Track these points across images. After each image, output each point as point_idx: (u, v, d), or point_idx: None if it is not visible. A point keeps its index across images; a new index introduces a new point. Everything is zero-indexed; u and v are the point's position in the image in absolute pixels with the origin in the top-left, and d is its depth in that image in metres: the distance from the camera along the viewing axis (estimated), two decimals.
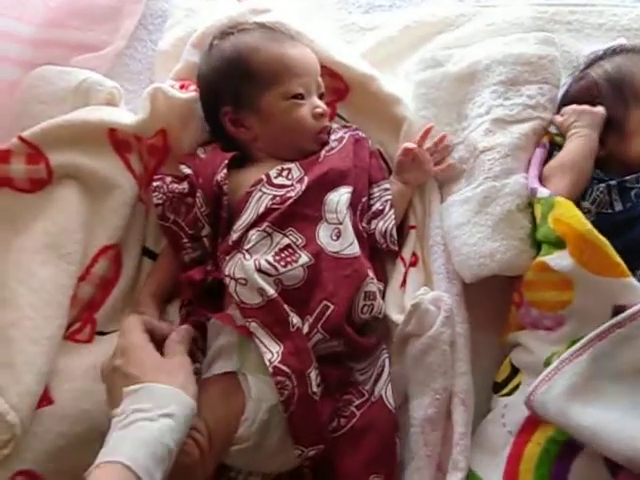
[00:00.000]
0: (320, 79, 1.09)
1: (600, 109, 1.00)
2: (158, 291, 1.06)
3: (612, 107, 1.00)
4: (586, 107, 1.01)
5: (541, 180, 0.99)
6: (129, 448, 0.75)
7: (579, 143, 1.00)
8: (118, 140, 1.06)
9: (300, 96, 1.05)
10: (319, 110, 1.06)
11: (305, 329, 0.93)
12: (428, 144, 1.08)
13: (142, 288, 1.07)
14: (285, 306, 0.93)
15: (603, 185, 0.94)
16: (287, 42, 1.08)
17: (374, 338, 1.00)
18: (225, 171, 1.01)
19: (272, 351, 0.90)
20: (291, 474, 0.95)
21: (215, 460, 0.89)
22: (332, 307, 0.94)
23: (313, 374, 0.90)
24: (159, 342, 0.91)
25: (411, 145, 1.07)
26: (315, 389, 0.89)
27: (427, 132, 1.08)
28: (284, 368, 0.89)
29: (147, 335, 0.90)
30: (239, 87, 1.05)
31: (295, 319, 0.92)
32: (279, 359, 0.89)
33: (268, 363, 0.89)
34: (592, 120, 1.00)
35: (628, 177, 0.94)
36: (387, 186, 1.06)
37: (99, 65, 1.17)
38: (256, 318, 0.92)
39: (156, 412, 0.78)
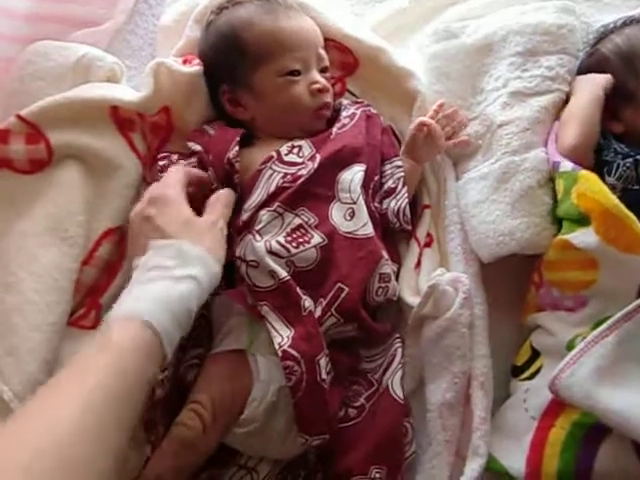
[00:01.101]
0: (322, 51, 1.05)
1: (606, 75, 0.98)
2: None
3: (625, 80, 0.97)
4: (590, 75, 1.00)
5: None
6: (151, 305, 0.71)
7: (581, 96, 0.98)
8: (121, 118, 1.03)
9: (296, 72, 1.01)
10: (317, 86, 1.01)
11: (318, 312, 0.90)
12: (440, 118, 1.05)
13: None
14: (297, 289, 0.90)
15: (630, 160, 0.91)
16: (282, 14, 1.03)
17: (388, 325, 0.98)
18: (237, 148, 0.98)
19: (282, 335, 0.88)
20: (300, 462, 0.93)
21: (218, 437, 0.86)
22: (347, 289, 0.91)
23: (323, 361, 0.88)
24: (201, 199, 0.89)
25: (427, 119, 1.03)
26: (324, 376, 0.87)
27: (440, 107, 1.05)
28: (293, 352, 0.86)
29: (186, 191, 0.87)
30: (234, 65, 1.02)
31: (307, 302, 0.90)
32: (289, 343, 0.87)
33: (277, 347, 0.87)
34: (594, 81, 0.98)
35: None
36: (399, 163, 1.03)
37: (98, 41, 1.12)
38: (267, 301, 0.90)
39: (181, 272, 0.75)
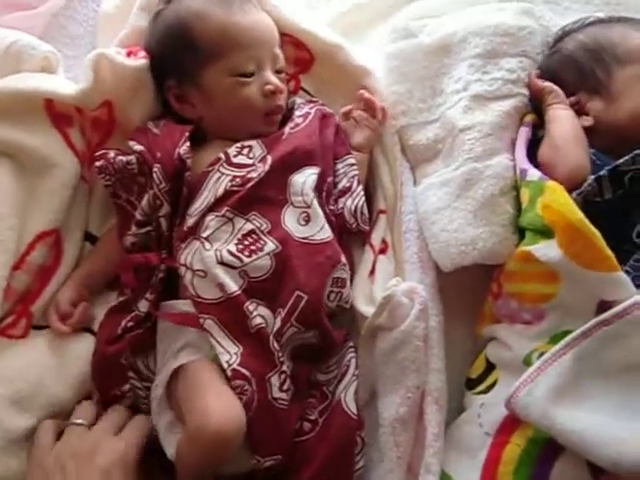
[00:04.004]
0: (278, 51, 1.01)
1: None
2: (87, 279, 0.98)
3: (592, 73, 0.98)
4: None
5: (536, 164, 0.95)
6: None
7: (569, 114, 0.97)
8: (57, 112, 0.97)
9: (249, 73, 0.96)
10: (269, 87, 0.97)
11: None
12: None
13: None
14: (247, 305, 0.86)
15: (592, 178, 0.90)
16: (237, 7, 0.98)
17: (344, 330, 0.96)
18: (188, 144, 0.94)
19: (230, 352, 0.85)
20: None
21: None
22: (305, 297, 0.88)
23: (275, 379, 0.85)
24: None
25: (346, 107, 1.03)
26: (276, 394, 0.84)
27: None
28: (243, 371, 0.83)
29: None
30: (182, 60, 0.97)
31: (257, 320, 0.86)
32: (238, 361, 0.84)
33: (226, 365, 0.84)
34: (563, 97, 0.98)
35: (622, 160, 0.89)
36: (352, 161, 1.00)
37: (31, 26, 1.06)
38: (212, 315, 0.86)
39: None
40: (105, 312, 0.95)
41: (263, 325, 0.86)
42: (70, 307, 0.94)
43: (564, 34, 1.04)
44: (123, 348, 0.90)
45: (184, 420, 0.83)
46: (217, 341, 0.85)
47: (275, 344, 0.86)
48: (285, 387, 0.86)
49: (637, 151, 0.88)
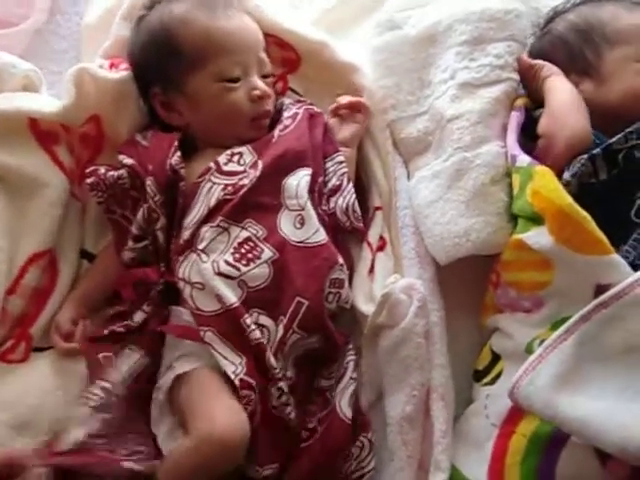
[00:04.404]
0: (264, 55, 1.00)
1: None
2: (86, 298, 0.98)
3: (583, 54, 0.97)
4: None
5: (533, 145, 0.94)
6: None
7: (566, 83, 0.95)
8: (42, 131, 0.96)
9: (235, 78, 0.95)
10: (257, 92, 0.96)
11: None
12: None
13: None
14: (244, 319, 0.86)
15: (585, 157, 0.88)
16: (221, 12, 0.97)
17: (345, 332, 0.95)
18: (179, 153, 0.93)
19: (235, 362, 0.84)
20: None
21: None
22: (306, 303, 0.88)
23: (275, 389, 0.85)
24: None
25: (333, 105, 1.01)
26: (275, 403, 0.84)
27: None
28: (250, 381, 0.83)
29: None
30: (167, 66, 0.96)
31: (256, 334, 0.86)
32: (245, 371, 0.83)
33: (233, 376, 0.83)
34: (557, 70, 0.97)
35: (614, 139, 0.88)
36: (341, 158, 0.99)
37: (12, 44, 1.05)
38: (212, 327, 0.86)
39: None
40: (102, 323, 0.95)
41: (262, 340, 0.86)
42: (71, 327, 0.94)
43: (555, 14, 1.03)
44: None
45: (186, 426, 0.83)
46: (220, 353, 0.85)
47: (272, 360, 0.85)
48: (283, 399, 0.85)
49: (629, 129, 0.87)
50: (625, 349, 0.79)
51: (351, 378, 0.90)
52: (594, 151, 0.88)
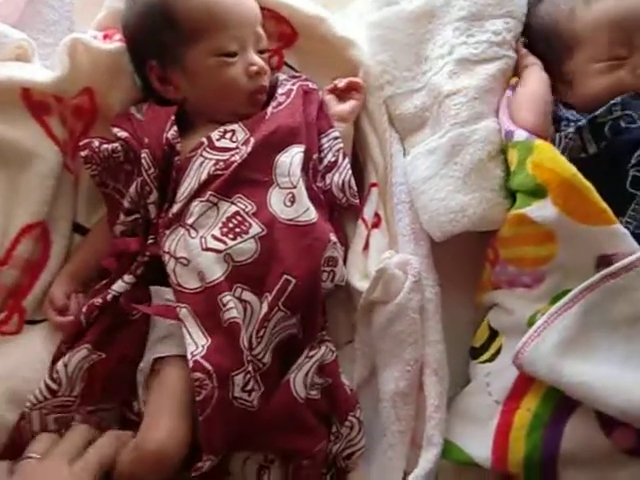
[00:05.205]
0: (261, 30, 0.98)
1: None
2: (79, 272, 0.96)
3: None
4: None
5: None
6: None
7: (537, 72, 0.96)
8: (34, 102, 0.95)
9: (232, 53, 0.94)
10: (254, 68, 0.95)
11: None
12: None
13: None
14: (222, 297, 0.84)
15: (571, 129, 0.89)
16: None
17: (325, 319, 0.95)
18: (175, 128, 0.92)
19: (198, 343, 0.83)
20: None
21: None
22: (294, 281, 0.86)
23: (239, 378, 0.82)
24: None
25: (330, 85, 1.01)
26: (237, 394, 0.82)
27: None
28: (206, 364, 0.81)
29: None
30: (163, 39, 0.95)
31: (231, 313, 0.84)
32: (202, 354, 0.81)
33: (190, 356, 0.81)
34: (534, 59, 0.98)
35: (598, 112, 0.88)
36: (336, 134, 0.98)
37: (6, 15, 1.03)
38: (188, 304, 0.85)
39: None
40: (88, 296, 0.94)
41: (237, 319, 0.84)
42: (65, 300, 0.93)
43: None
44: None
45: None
46: (188, 331, 0.83)
47: (245, 341, 0.83)
48: (249, 387, 0.83)
49: (613, 101, 0.88)
50: (631, 319, 0.80)
51: (306, 357, 0.88)
52: (580, 123, 0.88)
